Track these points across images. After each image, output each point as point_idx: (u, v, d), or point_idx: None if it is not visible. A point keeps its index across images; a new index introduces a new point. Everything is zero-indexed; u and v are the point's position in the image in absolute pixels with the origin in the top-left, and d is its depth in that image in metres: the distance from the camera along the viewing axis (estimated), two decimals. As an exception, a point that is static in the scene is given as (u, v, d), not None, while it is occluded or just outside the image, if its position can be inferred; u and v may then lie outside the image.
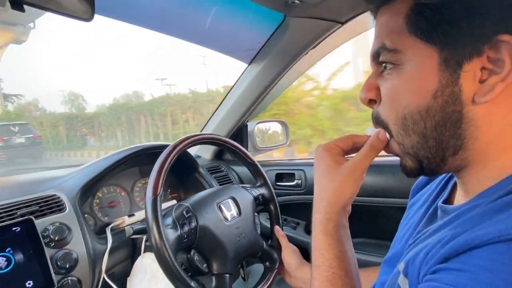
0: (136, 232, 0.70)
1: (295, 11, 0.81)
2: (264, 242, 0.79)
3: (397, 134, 0.39)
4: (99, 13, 0.76)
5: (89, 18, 0.56)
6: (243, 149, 0.85)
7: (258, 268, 1.07)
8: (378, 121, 0.41)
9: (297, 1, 0.76)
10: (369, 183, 0.98)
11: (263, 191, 0.85)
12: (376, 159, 1.10)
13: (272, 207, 0.86)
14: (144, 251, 0.77)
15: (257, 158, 1.33)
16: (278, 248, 0.80)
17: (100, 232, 0.83)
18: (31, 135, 8.37)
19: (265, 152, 1.42)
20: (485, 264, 0.27)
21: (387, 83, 0.39)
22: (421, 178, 0.57)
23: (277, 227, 0.83)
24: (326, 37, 0.88)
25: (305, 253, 0.78)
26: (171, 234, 0.63)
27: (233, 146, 0.84)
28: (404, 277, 0.37)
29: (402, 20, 0.36)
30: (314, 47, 0.92)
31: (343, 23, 0.84)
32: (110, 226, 0.81)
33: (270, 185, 0.86)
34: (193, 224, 0.68)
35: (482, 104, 0.33)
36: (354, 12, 0.81)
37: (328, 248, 0.45)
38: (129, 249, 0.82)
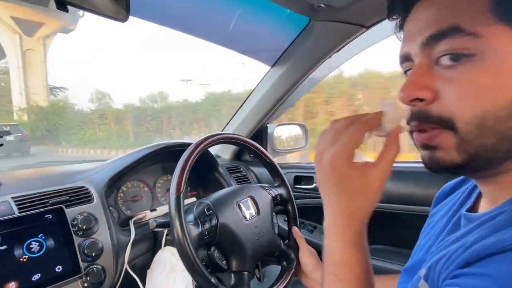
0: (159, 225, 0.72)
1: (320, 15, 0.82)
2: (281, 242, 0.80)
3: (468, 135, 0.33)
4: (133, 15, 0.79)
5: (124, 19, 0.59)
6: (262, 149, 0.86)
7: (273, 270, 1.08)
8: (433, 121, 0.35)
9: (322, 5, 0.77)
10: (391, 189, 0.96)
11: (281, 191, 0.86)
12: (399, 165, 1.08)
13: (290, 207, 0.86)
14: (165, 245, 0.80)
15: (275, 160, 1.35)
16: (295, 249, 0.80)
17: (123, 224, 0.87)
18: (20, 134, 10.28)
19: (284, 154, 1.42)
20: (507, 270, 0.26)
21: (456, 78, 0.33)
22: (445, 187, 0.55)
23: (295, 228, 0.83)
24: (350, 41, 0.89)
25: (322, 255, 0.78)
26: (193, 231, 0.65)
27: (252, 146, 0.86)
28: (425, 282, 0.37)
29: (485, 0, 0.31)
30: (338, 50, 0.92)
31: (368, 27, 0.84)
32: (133, 219, 0.85)
33: (288, 186, 0.87)
34: (214, 222, 0.69)
35: None
36: (380, 17, 0.81)
37: (359, 263, 0.39)
38: (150, 242, 0.85)
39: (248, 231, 0.74)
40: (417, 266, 0.45)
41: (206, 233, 0.68)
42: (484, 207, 0.40)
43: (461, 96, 0.32)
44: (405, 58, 0.38)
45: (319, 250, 0.83)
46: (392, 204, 0.95)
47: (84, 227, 0.71)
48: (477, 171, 0.36)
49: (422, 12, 0.35)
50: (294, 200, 0.87)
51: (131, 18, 0.59)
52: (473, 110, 0.32)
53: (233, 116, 1.24)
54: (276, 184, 0.88)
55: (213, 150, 1.30)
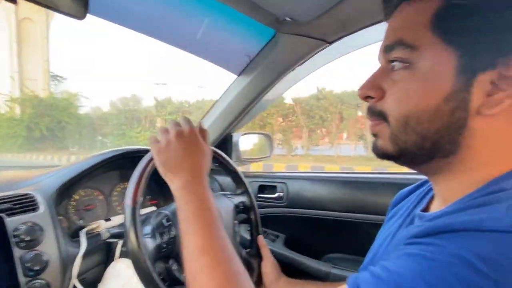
0: (113, 236, 0.68)
1: (285, 27, 0.84)
2: (243, 250, 0.79)
3: (396, 129, 0.38)
4: (93, 13, 0.76)
5: (81, 17, 0.57)
6: (225, 156, 0.85)
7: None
8: (375, 114, 0.40)
9: (287, 18, 0.79)
10: (348, 199, 1.00)
11: (243, 199, 0.85)
12: (353, 175, 1.12)
13: (252, 215, 0.85)
14: (120, 257, 0.75)
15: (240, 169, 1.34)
16: (258, 258, 0.79)
17: (74, 235, 0.81)
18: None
19: (249, 163, 1.42)
20: (455, 248, 0.28)
21: (397, 83, 0.38)
22: (402, 191, 0.58)
23: (260, 237, 0.82)
24: (313, 55, 0.92)
25: (283, 267, 0.78)
26: (150, 244, 0.62)
27: (215, 154, 0.84)
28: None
29: (428, 17, 0.35)
30: (301, 64, 0.95)
31: (330, 43, 0.88)
32: (84, 230, 0.79)
33: (251, 193, 0.87)
34: (173, 233, 0.67)
35: (487, 117, 0.34)
36: (342, 33, 0.85)
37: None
38: (103, 254, 0.80)
39: None
40: (370, 264, 0.46)
41: (164, 245, 0.65)
42: (436, 207, 0.43)
43: (395, 97, 0.38)
44: None
45: (280, 260, 0.83)
46: (349, 213, 0.98)
47: (27, 238, 0.65)
48: (411, 164, 0.40)
49: (390, 23, 0.41)
50: (256, 208, 0.86)
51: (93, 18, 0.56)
52: (400, 110, 0.37)
53: (202, 119, 1.22)
54: (238, 192, 0.87)
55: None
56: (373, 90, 0.40)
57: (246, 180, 0.87)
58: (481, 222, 0.29)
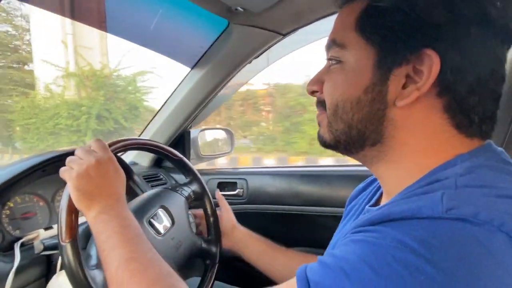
0: (49, 248, 0.61)
1: (238, 18, 0.81)
2: (201, 241, 0.77)
3: (330, 117, 0.42)
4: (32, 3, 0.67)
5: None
6: (164, 146, 0.80)
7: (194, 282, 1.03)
8: (320, 105, 0.45)
9: (240, 9, 0.76)
10: (306, 193, 1.00)
11: (193, 187, 0.81)
12: (313, 168, 1.13)
13: (206, 200, 0.82)
14: (61, 269, 0.68)
15: (199, 166, 1.30)
16: (216, 242, 0.78)
17: (8, 248, 0.72)
18: None
19: (209, 160, 1.38)
20: (395, 234, 0.30)
21: (331, 76, 0.42)
22: (357, 188, 0.60)
23: (218, 192, 0.86)
24: (268, 48, 0.90)
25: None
26: (99, 276, 0.55)
27: (153, 146, 0.78)
28: None
29: (353, 19, 0.39)
30: (257, 56, 0.93)
31: (284, 35, 0.86)
32: (20, 241, 0.71)
33: (201, 179, 0.83)
34: None
35: (402, 108, 0.37)
36: (296, 25, 0.84)
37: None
38: (43, 267, 0.72)
39: (165, 246, 0.67)
40: None
41: None
42: (384, 201, 0.45)
43: (328, 87, 0.42)
44: None
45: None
46: (307, 206, 0.98)
47: None
48: (347, 152, 0.43)
49: (334, 22, 0.44)
50: (209, 194, 0.83)
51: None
52: (331, 100, 0.41)
53: (150, 121, 1.15)
54: (187, 181, 0.83)
55: (129, 157, 1.19)
56: (316, 85, 0.44)
57: (193, 167, 0.83)
58: (418, 210, 0.31)
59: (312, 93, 0.45)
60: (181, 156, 0.81)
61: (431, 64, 0.34)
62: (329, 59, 0.42)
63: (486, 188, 0.32)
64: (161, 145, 0.79)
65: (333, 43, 0.41)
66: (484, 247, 0.28)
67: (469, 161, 0.35)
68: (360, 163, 0.44)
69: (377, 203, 0.49)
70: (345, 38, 0.40)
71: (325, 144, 0.44)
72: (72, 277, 0.51)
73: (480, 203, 0.30)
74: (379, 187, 0.51)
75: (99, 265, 0.56)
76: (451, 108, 0.35)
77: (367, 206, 0.48)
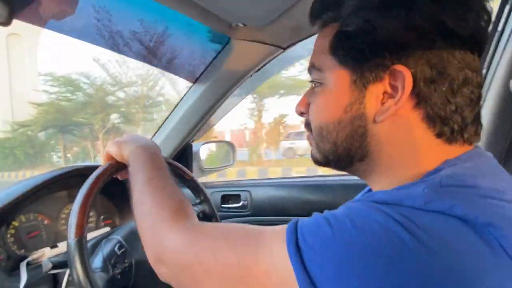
0: (57, 266, 0.61)
1: (239, 34, 0.83)
2: None
3: (316, 138, 0.44)
4: (23, 19, 0.69)
5: (6, 23, 0.51)
6: (180, 165, 0.81)
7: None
8: (307, 126, 0.46)
9: (240, 24, 0.78)
10: (310, 202, 1.00)
11: (203, 207, 0.81)
12: (316, 179, 1.14)
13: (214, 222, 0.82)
14: (67, 287, 0.68)
15: (203, 179, 1.30)
16: None
17: (14, 268, 0.72)
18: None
19: (211, 173, 1.39)
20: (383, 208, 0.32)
21: (314, 98, 0.44)
22: (356, 198, 0.60)
23: None
24: (269, 61, 0.91)
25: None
26: (101, 279, 0.56)
27: (169, 164, 0.79)
28: None
29: (327, 43, 0.41)
30: (258, 70, 0.94)
31: (285, 48, 0.88)
32: (26, 261, 0.71)
33: (210, 201, 0.83)
34: (128, 261, 0.61)
35: (384, 123, 0.38)
36: (295, 39, 0.86)
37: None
38: (49, 286, 0.72)
39: None
40: None
41: (119, 277, 0.59)
42: None
43: (312, 111, 0.44)
44: None
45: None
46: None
47: (-49, 278, 0.56)
48: (339, 168, 0.45)
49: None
50: (217, 216, 0.83)
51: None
52: (315, 122, 0.43)
53: (154, 134, 1.16)
54: (198, 201, 0.83)
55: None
56: (303, 107, 0.46)
57: (204, 188, 0.84)
58: (400, 200, 0.32)
59: (301, 114, 0.47)
60: (192, 175, 0.82)
61: (403, 79, 0.35)
62: (311, 81, 0.44)
63: (470, 188, 0.33)
64: (177, 164, 0.79)
65: (313, 67, 0.43)
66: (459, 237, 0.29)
67: (456, 166, 0.36)
68: None
69: None
70: (321, 61, 0.42)
71: (318, 163, 0.46)
72: (76, 274, 0.52)
73: (459, 199, 0.31)
74: None
75: (104, 269, 0.58)
76: (430, 118, 0.37)
77: None
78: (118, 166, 0.62)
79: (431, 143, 0.37)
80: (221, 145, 1.41)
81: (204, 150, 1.28)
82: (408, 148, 0.38)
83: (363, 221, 0.31)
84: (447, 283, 0.28)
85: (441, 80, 0.36)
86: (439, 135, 0.37)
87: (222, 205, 1.17)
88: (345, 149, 0.41)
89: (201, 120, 1.07)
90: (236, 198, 1.16)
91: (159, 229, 0.44)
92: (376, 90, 0.38)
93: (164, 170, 0.55)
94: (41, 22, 0.76)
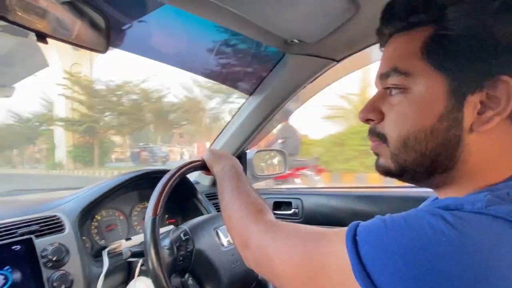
0: (134, 254, 0.70)
1: (294, 49, 0.87)
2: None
3: (395, 149, 0.41)
4: (115, 47, 0.82)
5: (103, 50, 0.62)
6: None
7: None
8: (376, 135, 0.44)
9: (295, 40, 0.83)
10: (364, 213, 0.99)
11: None
12: (370, 190, 1.11)
13: None
14: (139, 275, 0.77)
15: (256, 185, 1.35)
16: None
17: (96, 255, 0.84)
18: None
19: (264, 180, 1.44)
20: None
21: (393, 105, 0.41)
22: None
23: None
24: (322, 73, 0.94)
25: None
26: (167, 256, 0.64)
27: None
28: None
29: (418, 47, 0.39)
30: (311, 82, 0.97)
31: (338, 61, 0.90)
32: (107, 249, 0.82)
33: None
34: (190, 247, 0.69)
35: (479, 133, 0.37)
36: (349, 52, 0.88)
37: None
38: (125, 273, 0.82)
39: (224, 259, 0.73)
40: None
41: (181, 258, 0.67)
42: None
43: (393, 120, 0.41)
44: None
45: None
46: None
47: (54, 259, 0.68)
48: (413, 180, 0.43)
49: (384, 52, 0.44)
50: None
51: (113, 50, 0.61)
52: (399, 132, 0.40)
53: (213, 142, 1.25)
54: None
55: (192, 176, 1.30)
56: (372, 114, 0.44)
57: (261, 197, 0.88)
58: (461, 205, 0.33)
59: (366, 120, 0.45)
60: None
61: (508, 90, 0.35)
62: (387, 88, 0.42)
63: None
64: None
65: (394, 71, 0.40)
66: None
67: None
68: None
69: None
70: (410, 66, 0.39)
71: (387, 173, 0.44)
72: (146, 248, 0.61)
73: None
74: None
75: (170, 248, 0.68)
76: None
77: None
78: (202, 165, 0.74)
79: None
80: (274, 153, 1.46)
81: (257, 158, 1.34)
82: (496, 158, 0.37)
83: (415, 221, 0.32)
84: (489, 282, 0.28)
85: None
86: None
87: (274, 212, 1.20)
88: (432, 159, 0.39)
89: (255, 129, 1.14)
90: (288, 205, 1.19)
91: (246, 221, 0.51)
92: (474, 99, 0.36)
93: (247, 182, 0.64)
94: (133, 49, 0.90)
